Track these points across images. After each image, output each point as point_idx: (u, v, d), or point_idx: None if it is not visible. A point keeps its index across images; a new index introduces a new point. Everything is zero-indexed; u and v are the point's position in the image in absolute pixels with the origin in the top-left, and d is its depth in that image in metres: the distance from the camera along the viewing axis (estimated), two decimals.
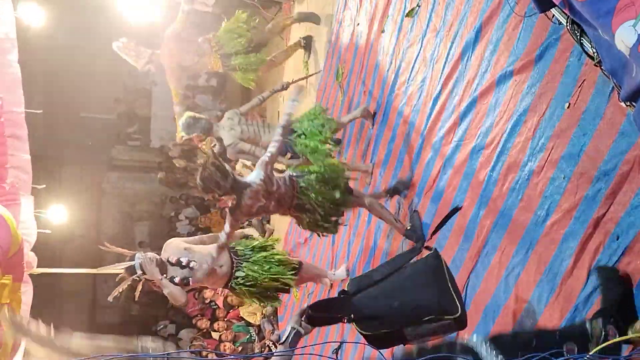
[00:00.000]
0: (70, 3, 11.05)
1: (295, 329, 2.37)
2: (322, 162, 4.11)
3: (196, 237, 4.56)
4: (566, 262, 2.56)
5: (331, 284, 5.31)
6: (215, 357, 8.03)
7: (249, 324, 8.56)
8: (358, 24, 5.70)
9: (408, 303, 2.51)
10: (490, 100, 3.29)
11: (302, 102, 7.50)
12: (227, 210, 3.79)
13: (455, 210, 2.97)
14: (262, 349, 7.65)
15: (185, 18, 6.43)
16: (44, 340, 2.27)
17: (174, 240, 4.22)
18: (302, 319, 2.47)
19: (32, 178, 6.13)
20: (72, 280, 12.34)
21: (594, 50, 2.01)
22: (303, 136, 4.62)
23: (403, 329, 2.53)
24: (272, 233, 8.92)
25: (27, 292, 5.39)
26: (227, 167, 3.58)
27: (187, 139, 5.40)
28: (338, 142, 5.04)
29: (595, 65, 2.11)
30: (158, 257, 3.95)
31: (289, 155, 4.66)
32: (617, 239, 2.32)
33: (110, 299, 3.93)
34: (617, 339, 2.07)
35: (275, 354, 2.40)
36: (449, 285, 2.52)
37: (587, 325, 2.15)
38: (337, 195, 3.85)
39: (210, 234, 4.60)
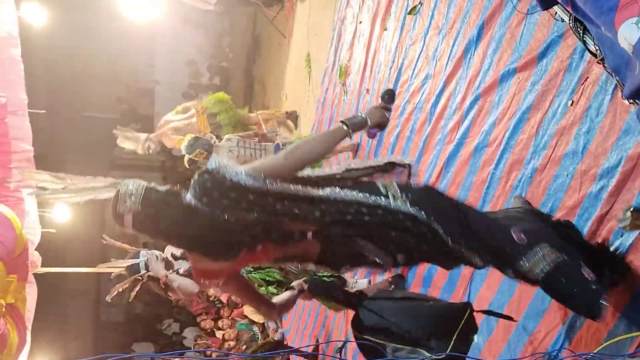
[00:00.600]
0: (73, 3, 11.07)
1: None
2: None
3: None
4: None
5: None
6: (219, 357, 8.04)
7: (252, 322, 8.58)
8: (360, 22, 5.70)
9: (413, 332, 2.46)
10: (493, 98, 3.29)
11: (307, 107, 7.56)
12: None
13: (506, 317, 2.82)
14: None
15: (182, 111, 6.91)
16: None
17: None
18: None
19: None
20: (76, 279, 12.37)
21: (597, 47, 2.00)
22: None
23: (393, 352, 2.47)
24: None
25: (31, 292, 5.41)
26: None
27: (191, 159, 5.76)
28: None
29: (598, 62, 2.10)
30: (162, 254, 3.95)
31: None
32: (621, 237, 2.31)
33: (108, 298, 3.89)
34: None
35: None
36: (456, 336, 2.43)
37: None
38: None
39: None
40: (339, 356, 4.55)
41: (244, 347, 8.05)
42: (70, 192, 2.45)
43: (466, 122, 3.54)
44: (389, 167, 2.26)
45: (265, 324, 8.03)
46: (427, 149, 4.02)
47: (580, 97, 2.60)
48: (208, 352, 8.03)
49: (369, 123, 2.13)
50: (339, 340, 4.96)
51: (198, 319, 10.51)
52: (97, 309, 14.29)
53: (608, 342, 2.24)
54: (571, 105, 2.66)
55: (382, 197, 2.08)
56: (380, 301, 2.65)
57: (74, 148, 14.20)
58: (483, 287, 3.21)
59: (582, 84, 2.58)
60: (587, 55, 2.50)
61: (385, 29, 5.00)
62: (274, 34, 10.30)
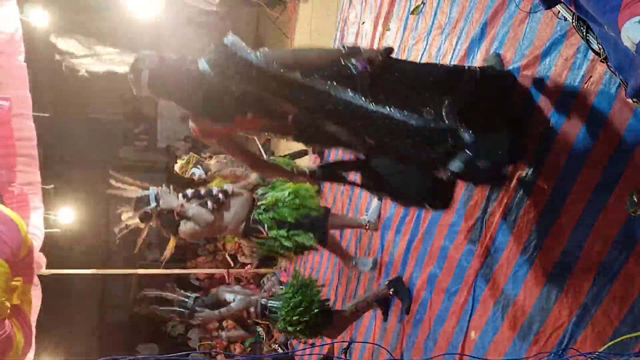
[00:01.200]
0: (76, 4, 11.10)
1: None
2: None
3: None
4: (575, 259, 2.56)
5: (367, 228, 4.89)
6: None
7: (256, 323, 8.58)
8: (363, 22, 5.70)
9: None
10: None
11: None
12: None
13: None
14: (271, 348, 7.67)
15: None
16: None
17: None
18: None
19: (40, 179, 6.18)
20: (81, 280, 12.40)
21: (600, 46, 2.00)
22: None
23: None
24: None
25: (36, 294, 5.43)
26: None
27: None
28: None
29: (601, 61, 2.10)
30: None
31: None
32: (626, 234, 2.31)
33: (117, 235, 3.93)
34: None
35: None
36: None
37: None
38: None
39: None
40: (344, 356, 4.55)
41: (249, 349, 8.05)
42: (94, 59, 2.88)
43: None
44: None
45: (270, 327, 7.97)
46: None
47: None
48: (213, 354, 8.05)
49: (362, 54, 2.52)
50: (344, 342, 4.97)
51: None
52: (102, 310, 14.32)
53: (613, 341, 2.24)
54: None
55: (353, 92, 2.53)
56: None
57: (79, 149, 14.24)
58: (487, 286, 3.21)
59: (586, 83, 2.58)
60: (591, 54, 2.49)
61: (388, 29, 5.00)
62: (277, 34, 10.31)
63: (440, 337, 3.66)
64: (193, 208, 3.92)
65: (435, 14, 4.10)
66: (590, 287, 2.45)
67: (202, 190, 4.08)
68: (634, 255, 2.26)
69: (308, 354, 5.36)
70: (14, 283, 2.69)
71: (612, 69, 2.03)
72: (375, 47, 5.27)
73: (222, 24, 14.33)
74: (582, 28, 2.06)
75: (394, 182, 3.03)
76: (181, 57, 2.53)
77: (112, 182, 4.10)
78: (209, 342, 9.92)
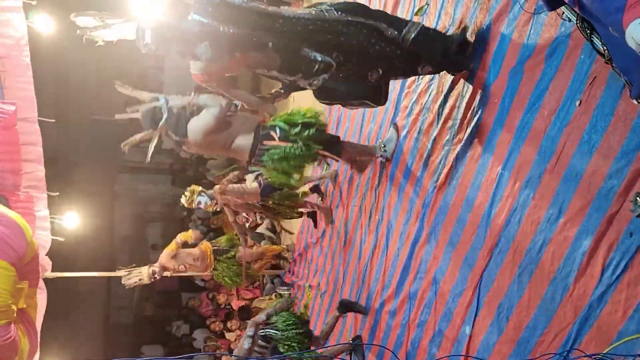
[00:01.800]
0: (80, 8, 11.12)
1: None
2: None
3: None
4: (579, 260, 2.55)
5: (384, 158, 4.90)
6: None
7: None
8: None
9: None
10: (501, 98, 3.28)
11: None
12: None
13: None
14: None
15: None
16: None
17: None
18: None
19: (45, 183, 6.21)
20: (86, 282, 12.43)
21: (605, 47, 2.00)
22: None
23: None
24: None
25: (41, 297, 5.45)
26: None
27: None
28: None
29: (606, 62, 2.10)
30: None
31: None
32: (631, 236, 2.31)
33: (124, 149, 4.09)
34: None
35: None
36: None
37: None
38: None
39: None
40: (348, 358, 4.57)
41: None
42: (106, 30, 3.45)
43: (474, 122, 3.54)
44: None
45: None
46: (435, 149, 4.02)
47: (588, 96, 2.60)
48: (218, 354, 8.05)
49: None
50: (349, 343, 4.98)
51: (208, 322, 10.53)
52: (107, 311, 14.35)
53: (618, 342, 2.24)
54: (579, 105, 2.65)
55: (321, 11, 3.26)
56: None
57: (84, 152, 14.28)
58: (492, 287, 3.20)
59: (590, 84, 2.57)
60: (595, 55, 2.49)
61: None
62: None
63: (444, 339, 3.66)
64: (203, 99, 4.03)
65: (439, 15, 4.10)
66: (595, 288, 2.45)
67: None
68: (638, 257, 2.26)
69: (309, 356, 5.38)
70: (19, 287, 2.70)
71: (616, 69, 2.04)
72: None
73: None
74: (586, 29, 2.06)
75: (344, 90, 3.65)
76: (175, 14, 3.16)
77: (119, 88, 4.25)
78: (214, 343, 9.93)
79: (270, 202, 6.20)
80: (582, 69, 2.64)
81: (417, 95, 4.36)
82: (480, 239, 3.35)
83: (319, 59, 3.31)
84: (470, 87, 3.62)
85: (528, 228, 2.93)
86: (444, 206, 3.83)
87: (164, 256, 6.66)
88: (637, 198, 2.19)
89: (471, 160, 3.55)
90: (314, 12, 3.27)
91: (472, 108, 3.58)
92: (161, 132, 4.02)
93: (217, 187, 6.12)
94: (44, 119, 6.17)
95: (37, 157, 6.02)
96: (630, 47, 1.55)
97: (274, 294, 8.18)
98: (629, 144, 2.34)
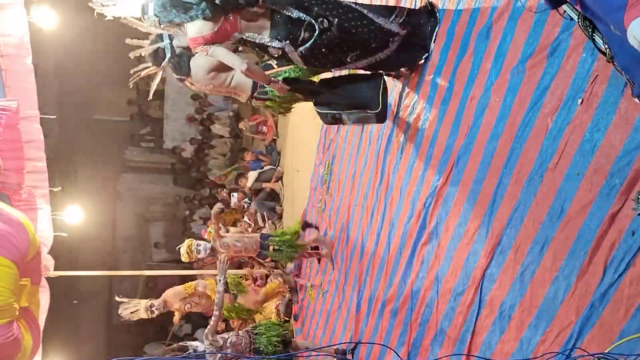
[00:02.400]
0: (82, 5, 11.14)
1: None
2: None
3: None
4: (581, 259, 2.55)
5: None
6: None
7: None
8: None
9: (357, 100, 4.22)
10: (503, 97, 3.28)
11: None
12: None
13: None
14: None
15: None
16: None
17: None
18: None
19: (47, 181, 6.22)
20: (89, 281, 12.45)
21: (606, 46, 2.00)
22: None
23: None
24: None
25: (43, 295, 5.46)
26: None
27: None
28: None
29: (607, 61, 2.10)
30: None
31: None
32: (633, 235, 2.31)
33: (131, 83, 4.41)
34: None
35: None
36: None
37: None
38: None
39: None
40: (350, 357, 4.56)
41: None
42: (115, 6, 3.77)
43: (478, 122, 3.54)
44: None
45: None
46: (437, 147, 4.02)
47: (590, 95, 2.59)
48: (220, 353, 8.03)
49: None
50: (350, 342, 4.97)
51: (210, 321, 10.52)
52: (109, 310, 14.38)
53: (620, 341, 2.24)
54: (581, 103, 2.65)
55: None
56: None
57: (86, 151, 14.30)
58: (494, 286, 3.20)
59: (592, 83, 2.57)
60: (597, 54, 2.49)
61: None
62: None
63: (447, 338, 3.66)
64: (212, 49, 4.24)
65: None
66: (597, 286, 2.45)
67: None
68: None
69: (306, 356, 5.40)
70: (22, 284, 2.71)
71: (618, 68, 2.04)
72: None
73: None
74: (588, 28, 2.06)
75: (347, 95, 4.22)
76: None
77: (128, 41, 4.45)
78: None
79: (270, 248, 6.35)
80: (584, 67, 2.64)
81: (419, 94, 4.36)
82: (482, 237, 3.35)
83: (304, 19, 3.66)
84: (473, 85, 3.62)
85: (530, 227, 2.93)
86: (446, 205, 3.84)
87: (173, 295, 6.62)
88: (639, 196, 2.19)
89: (472, 159, 3.55)
90: None
91: (473, 106, 3.58)
92: (164, 69, 4.41)
93: (212, 234, 6.33)
94: (45, 116, 6.19)
95: (40, 155, 6.03)
96: (631, 45, 1.55)
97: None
98: (631, 143, 2.34)
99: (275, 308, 7.76)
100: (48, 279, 6.20)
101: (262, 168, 10.58)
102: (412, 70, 4.34)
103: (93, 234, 11.19)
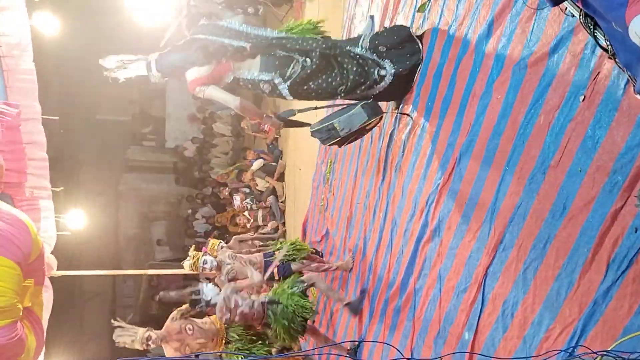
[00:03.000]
0: (83, 8, 11.15)
1: None
2: (294, 302, 4.94)
3: None
4: (584, 256, 2.55)
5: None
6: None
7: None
8: (372, 16, 5.69)
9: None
10: (505, 94, 3.28)
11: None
12: None
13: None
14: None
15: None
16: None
17: None
18: None
19: (50, 181, 6.23)
20: (92, 281, 12.48)
21: (608, 42, 1.99)
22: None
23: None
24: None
25: (47, 296, 5.47)
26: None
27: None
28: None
29: (609, 58, 2.09)
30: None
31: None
32: (636, 231, 2.30)
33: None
34: None
35: None
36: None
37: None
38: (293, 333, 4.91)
39: None
40: (354, 357, 4.56)
41: None
42: (124, 69, 4.22)
43: (478, 118, 3.53)
44: None
45: None
46: (439, 145, 4.01)
47: (592, 92, 2.59)
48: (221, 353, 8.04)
49: None
50: (354, 341, 4.98)
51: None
52: (112, 309, 14.41)
53: (624, 339, 2.23)
54: (583, 100, 2.64)
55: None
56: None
57: (88, 151, 14.33)
58: (497, 284, 3.20)
59: (594, 79, 2.56)
60: (598, 51, 2.48)
61: None
62: None
63: (450, 335, 3.66)
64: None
65: (441, 12, 4.10)
66: (600, 283, 2.45)
67: None
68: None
69: (318, 354, 5.39)
70: (25, 285, 2.71)
71: (620, 65, 2.03)
72: None
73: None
74: (589, 24, 2.05)
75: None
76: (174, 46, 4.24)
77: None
78: None
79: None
80: (586, 64, 2.64)
81: (421, 93, 4.36)
82: (484, 235, 3.35)
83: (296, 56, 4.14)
84: (474, 83, 3.61)
85: (532, 224, 2.92)
86: (448, 203, 3.83)
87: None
88: None
89: (475, 157, 3.55)
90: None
91: (474, 104, 3.57)
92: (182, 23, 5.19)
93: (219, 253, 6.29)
94: (47, 117, 6.20)
95: (42, 156, 6.04)
96: (633, 42, 1.55)
97: None
98: (633, 139, 2.33)
99: None
100: (51, 279, 6.22)
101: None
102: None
103: (96, 234, 11.20)
